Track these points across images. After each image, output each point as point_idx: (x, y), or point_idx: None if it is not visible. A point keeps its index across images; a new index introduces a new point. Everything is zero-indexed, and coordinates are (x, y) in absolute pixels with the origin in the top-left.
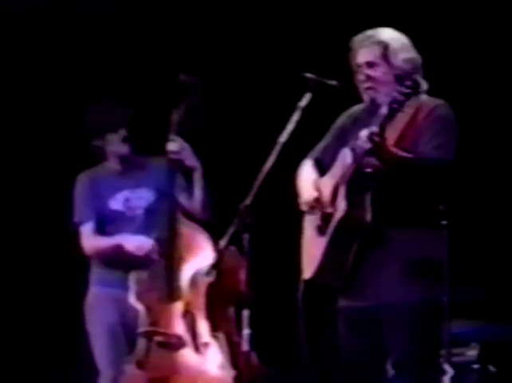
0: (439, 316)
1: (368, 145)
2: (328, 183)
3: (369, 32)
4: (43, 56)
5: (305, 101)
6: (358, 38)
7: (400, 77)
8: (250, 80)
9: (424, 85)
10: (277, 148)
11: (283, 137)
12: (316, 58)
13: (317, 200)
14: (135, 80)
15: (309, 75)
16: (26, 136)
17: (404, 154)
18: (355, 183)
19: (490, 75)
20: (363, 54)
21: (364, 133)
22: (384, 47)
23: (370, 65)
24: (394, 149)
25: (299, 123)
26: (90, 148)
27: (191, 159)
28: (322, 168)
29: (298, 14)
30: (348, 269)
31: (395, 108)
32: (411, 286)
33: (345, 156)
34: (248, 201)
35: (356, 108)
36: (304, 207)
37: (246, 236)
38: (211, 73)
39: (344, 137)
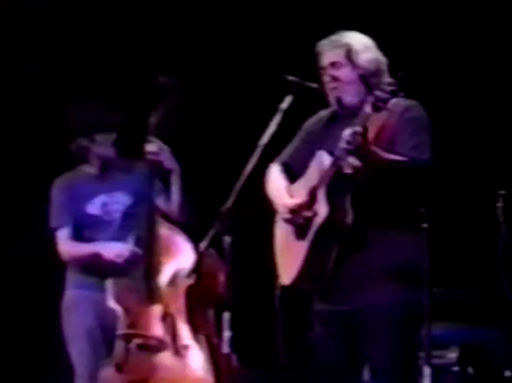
0: (418, 318)
1: (351, 146)
2: (302, 188)
3: (333, 36)
4: (23, 58)
5: (286, 104)
6: (322, 43)
7: (364, 77)
8: (231, 83)
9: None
10: (258, 150)
11: (264, 139)
12: (297, 61)
13: (300, 206)
14: (114, 82)
15: (290, 77)
16: (3, 140)
17: (386, 154)
18: (335, 185)
19: (464, 76)
20: (327, 56)
21: (347, 133)
22: (348, 48)
23: (334, 65)
24: (376, 149)
25: (280, 125)
26: (69, 149)
27: (169, 161)
28: (291, 173)
29: (280, 16)
30: (328, 272)
31: (380, 106)
32: (390, 289)
33: (322, 159)
34: (229, 204)
35: (324, 112)
36: (283, 213)
37: (226, 239)
38: (191, 75)
39: (313, 141)
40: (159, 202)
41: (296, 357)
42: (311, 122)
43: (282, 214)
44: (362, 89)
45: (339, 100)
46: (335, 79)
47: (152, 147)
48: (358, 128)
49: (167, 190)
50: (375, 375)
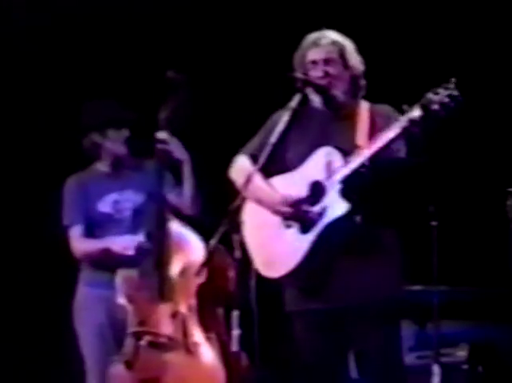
0: (400, 315)
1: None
2: (295, 183)
3: (321, 33)
4: (29, 57)
5: (295, 102)
6: (312, 37)
7: (355, 78)
8: (239, 77)
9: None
10: (268, 148)
11: (273, 138)
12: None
13: (301, 200)
14: (123, 78)
15: (297, 75)
16: (15, 139)
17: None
18: (349, 183)
19: (472, 74)
20: (319, 52)
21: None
22: (340, 47)
23: (328, 62)
24: None
25: (290, 123)
26: (83, 145)
27: (179, 151)
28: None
29: (287, 14)
30: (327, 267)
31: (436, 110)
32: (380, 285)
33: (332, 155)
34: (238, 201)
35: (293, 105)
36: (278, 205)
37: (235, 237)
38: (199, 70)
39: (284, 135)
40: (171, 197)
41: (274, 357)
42: (280, 115)
43: (276, 206)
44: (350, 89)
45: (327, 100)
46: (329, 75)
47: (162, 134)
48: (414, 115)
49: (178, 185)
50: (362, 373)
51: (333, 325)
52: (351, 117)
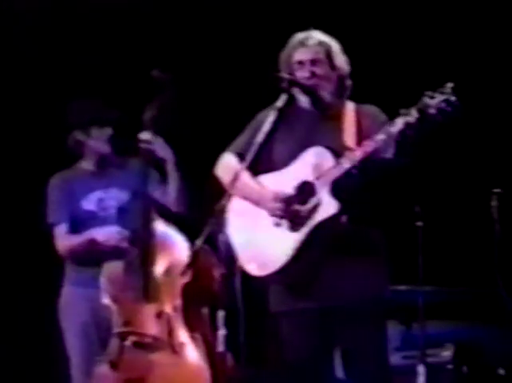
0: (386, 315)
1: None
2: (283, 182)
3: (307, 33)
4: (16, 55)
5: (281, 102)
6: (298, 37)
7: (342, 79)
8: (225, 77)
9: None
10: (254, 148)
11: (259, 138)
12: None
13: (291, 198)
14: (107, 77)
15: (283, 75)
16: (1, 138)
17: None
18: (340, 183)
19: (458, 74)
20: (306, 52)
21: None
22: (327, 48)
23: (315, 62)
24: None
25: (276, 123)
26: (67, 144)
27: (162, 150)
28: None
29: (273, 12)
30: (316, 265)
31: (431, 114)
32: (368, 285)
33: (322, 155)
34: (224, 201)
35: (279, 105)
36: (268, 202)
37: (221, 236)
38: (184, 69)
39: (270, 134)
40: (157, 194)
41: (258, 355)
42: (266, 114)
43: (265, 203)
44: (336, 89)
45: (314, 100)
46: (315, 75)
47: (145, 135)
48: (411, 119)
49: (164, 182)
50: (348, 373)
51: (320, 325)
52: (337, 117)
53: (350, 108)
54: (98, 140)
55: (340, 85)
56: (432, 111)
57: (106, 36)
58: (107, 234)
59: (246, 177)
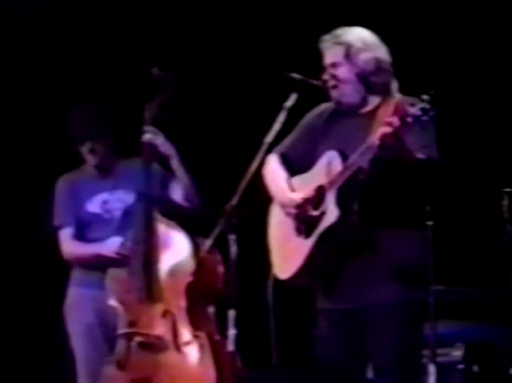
0: (422, 316)
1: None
2: (307, 184)
3: (336, 31)
4: (20, 56)
5: (290, 101)
6: (324, 39)
7: (362, 76)
8: (233, 79)
9: (396, 84)
10: (263, 148)
11: (269, 137)
12: (301, 58)
13: (306, 201)
14: (107, 77)
15: (294, 75)
16: (5, 139)
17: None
18: (346, 189)
19: (469, 75)
20: (328, 55)
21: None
22: (347, 47)
23: (334, 65)
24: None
25: (285, 123)
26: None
27: (165, 146)
28: (289, 164)
29: (283, 11)
30: (330, 270)
31: (408, 122)
32: (393, 288)
33: (333, 161)
34: (234, 201)
35: (325, 107)
36: (287, 207)
37: (232, 237)
38: (185, 67)
39: (314, 135)
40: (168, 193)
41: (289, 355)
42: (312, 115)
43: (285, 207)
44: (361, 88)
45: (338, 103)
46: (334, 77)
47: (148, 127)
48: (388, 130)
49: (172, 179)
50: (378, 373)
51: (350, 326)
52: (371, 115)
53: (389, 103)
54: (84, 154)
55: (363, 83)
56: (409, 119)
57: (106, 34)
58: (112, 248)
59: (280, 179)
